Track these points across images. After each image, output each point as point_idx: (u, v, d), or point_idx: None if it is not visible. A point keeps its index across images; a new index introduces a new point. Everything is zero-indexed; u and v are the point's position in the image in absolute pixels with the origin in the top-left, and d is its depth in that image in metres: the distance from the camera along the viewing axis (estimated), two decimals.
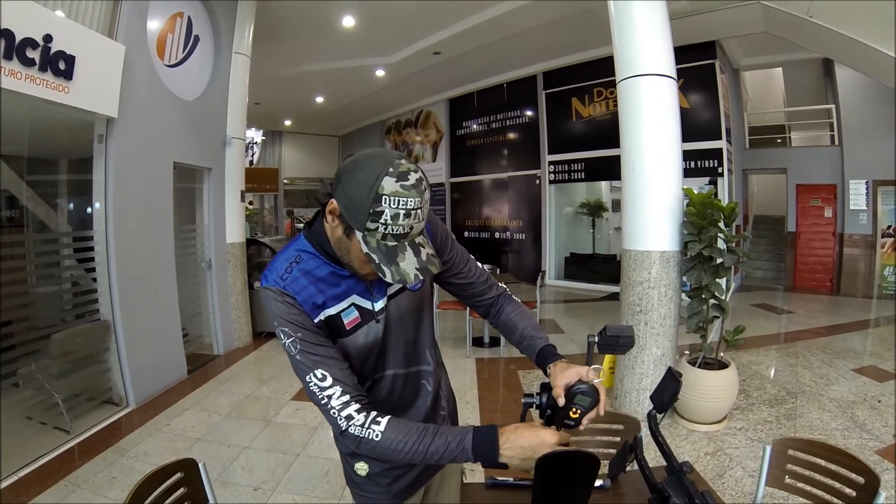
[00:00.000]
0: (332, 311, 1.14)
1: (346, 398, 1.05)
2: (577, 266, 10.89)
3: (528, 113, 10.96)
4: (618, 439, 1.94)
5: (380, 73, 10.42)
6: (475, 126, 12.23)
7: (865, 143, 9.09)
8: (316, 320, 1.11)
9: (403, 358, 1.28)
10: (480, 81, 11.42)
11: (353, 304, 1.17)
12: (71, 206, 5.42)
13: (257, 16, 6.32)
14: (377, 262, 0.97)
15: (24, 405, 3.77)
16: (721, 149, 8.36)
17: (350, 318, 1.16)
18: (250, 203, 10.84)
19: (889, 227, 9.24)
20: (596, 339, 1.19)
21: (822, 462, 1.74)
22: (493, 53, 9.28)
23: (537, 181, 10.77)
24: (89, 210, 4.22)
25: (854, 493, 1.63)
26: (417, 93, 12.34)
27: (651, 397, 1.38)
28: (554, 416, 1.12)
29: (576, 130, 10.12)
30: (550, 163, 10.48)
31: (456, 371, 5.21)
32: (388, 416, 1.05)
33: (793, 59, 9.65)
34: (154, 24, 4.66)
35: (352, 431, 1.03)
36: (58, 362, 3.78)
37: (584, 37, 8.53)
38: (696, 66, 8.27)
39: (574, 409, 1.06)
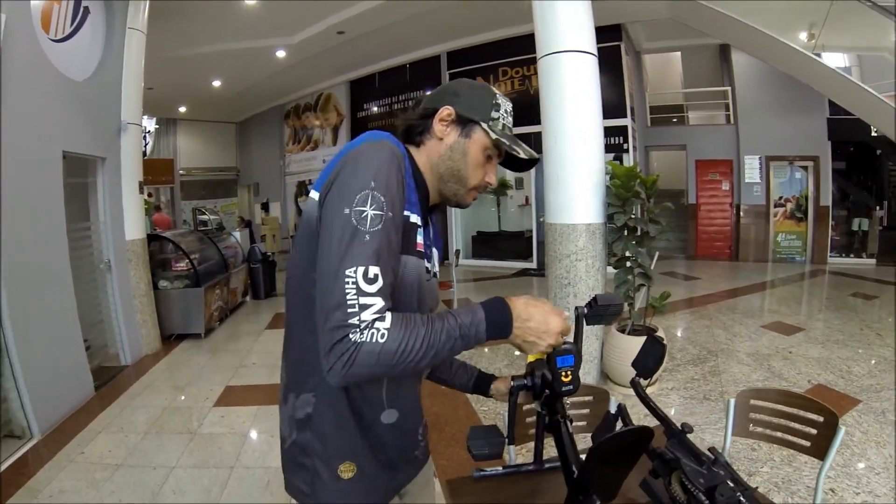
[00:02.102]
0: (415, 218, 1.00)
1: (379, 315, 0.82)
2: (484, 244, 11.05)
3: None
4: (586, 411, 1.89)
5: (280, 54, 9.98)
6: (376, 108, 11.99)
7: (759, 122, 9.94)
8: (405, 213, 0.96)
9: None
10: (383, 62, 11.25)
11: (422, 230, 1.04)
12: None
13: None
14: (507, 143, 1.04)
15: None
16: (626, 126, 8.81)
17: (420, 241, 1.02)
18: (149, 195, 10.01)
19: (781, 197, 10.12)
20: (585, 310, 1.12)
21: (783, 407, 1.83)
22: (398, 33, 9.15)
23: None
24: None
25: (815, 431, 1.73)
26: (318, 75, 11.99)
27: (633, 364, 1.34)
28: (551, 391, 1.06)
29: None
30: None
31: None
32: (386, 308, 0.84)
33: (691, 45, 10.32)
34: None
35: (353, 337, 0.79)
36: None
37: (490, 16, 8.57)
38: (602, 47, 8.47)
39: (564, 373, 1.00)
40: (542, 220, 9.76)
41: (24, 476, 3.19)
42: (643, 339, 3.75)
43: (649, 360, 1.31)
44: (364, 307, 0.81)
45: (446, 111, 1.05)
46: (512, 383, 1.14)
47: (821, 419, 1.72)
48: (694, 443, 1.12)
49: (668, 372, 4.28)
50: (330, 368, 0.81)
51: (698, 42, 9.96)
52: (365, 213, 0.85)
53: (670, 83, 11.94)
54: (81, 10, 4.70)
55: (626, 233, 3.88)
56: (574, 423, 1.85)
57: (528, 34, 8.54)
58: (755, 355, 4.71)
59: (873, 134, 9.27)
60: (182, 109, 14.51)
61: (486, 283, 9.23)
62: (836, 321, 5.78)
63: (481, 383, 1.36)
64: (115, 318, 5.24)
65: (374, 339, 0.80)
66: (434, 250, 1.17)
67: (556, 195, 3.97)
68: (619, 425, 1.41)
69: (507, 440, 1.17)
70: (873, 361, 4.49)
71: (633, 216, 3.80)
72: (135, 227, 5.52)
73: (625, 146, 8.82)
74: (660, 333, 3.94)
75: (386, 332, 0.81)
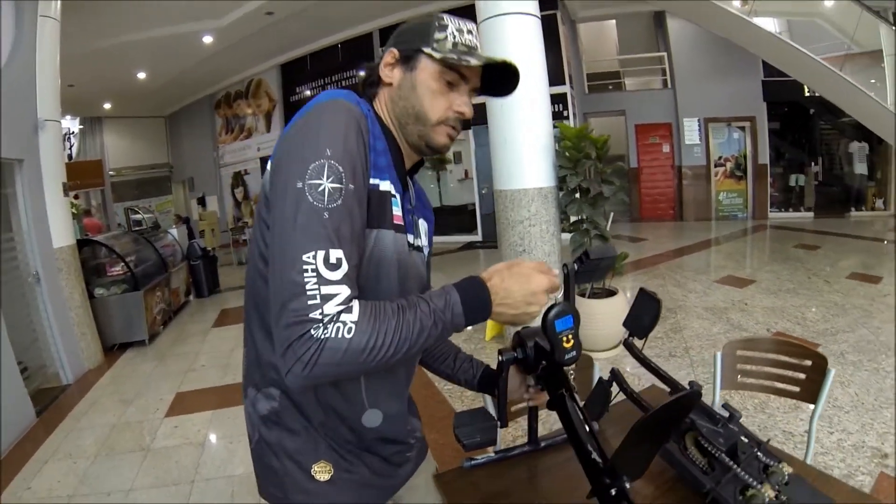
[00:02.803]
0: (387, 185, 0.87)
1: (344, 306, 0.70)
2: None
3: (364, 73, 10.67)
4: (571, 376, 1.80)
5: (207, 39, 9.50)
6: (309, 91, 11.67)
7: (696, 85, 10.15)
8: (371, 182, 0.84)
9: None
10: (314, 43, 10.92)
11: (397, 198, 0.91)
12: None
13: None
14: (456, 58, 0.86)
15: None
16: (566, 94, 8.87)
17: (396, 213, 0.90)
18: (76, 197, 9.35)
19: (720, 157, 10.40)
20: (576, 266, 1.01)
21: (771, 355, 1.81)
22: (328, 11, 8.86)
23: None
24: None
25: (804, 376, 1.71)
26: (247, 60, 11.56)
27: (625, 324, 1.24)
28: (550, 362, 0.92)
29: None
30: None
31: None
32: (353, 297, 0.71)
33: (625, 12, 10.49)
34: None
35: (315, 333, 0.67)
36: None
37: None
38: (540, 17, 8.52)
39: (565, 337, 0.86)
40: (484, 191, 9.74)
41: None
42: (605, 301, 3.81)
43: (644, 318, 1.22)
44: (327, 298, 0.69)
45: (389, 54, 0.94)
46: (500, 357, 1.01)
47: (809, 363, 1.70)
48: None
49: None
50: (288, 371, 0.69)
51: (632, 10, 10.13)
52: (322, 187, 0.72)
53: (606, 51, 12.01)
54: None
55: (578, 195, 3.83)
56: None
57: (463, 6, 8.51)
58: (713, 309, 4.81)
59: (806, 94, 9.67)
60: (107, 106, 13.66)
61: (434, 259, 9.10)
62: (785, 272, 5.97)
63: (489, 380, 1.18)
64: (49, 334, 4.83)
65: (339, 335, 0.68)
66: (422, 221, 1.06)
67: (505, 160, 3.88)
68: (615, 391, 1.33)
69: (498, 423, 1.06)
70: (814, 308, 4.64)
71: (585, 177, 3.75)
72: (62, 233, 5.09)
73: (565, 113, 8.90)
74: (620, 295, 3.95)
75: (353, 325, 0.69)
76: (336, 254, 0.71)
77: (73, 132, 12.87)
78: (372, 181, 0.83)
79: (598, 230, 3.85)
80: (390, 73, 0.94)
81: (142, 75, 11.31)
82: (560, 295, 0.92)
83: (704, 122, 10.20)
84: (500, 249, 4.09)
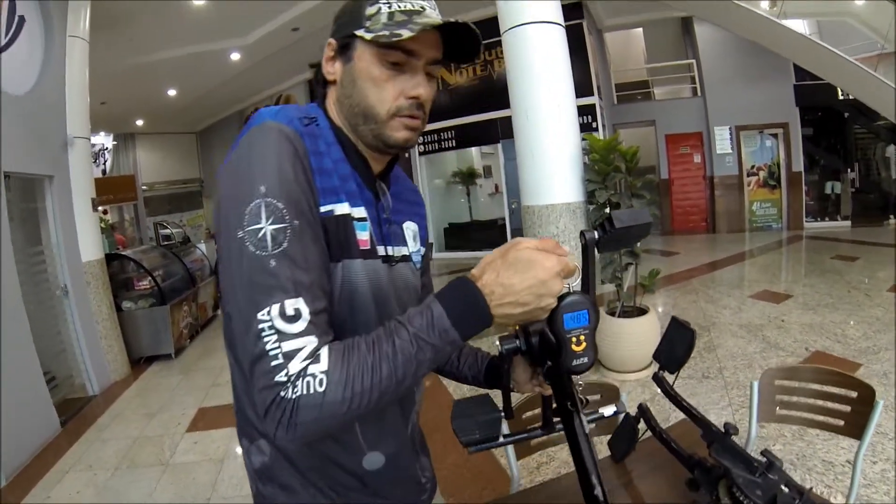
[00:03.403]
0: (345, 207, 0.77)
1: (311, 359, 0.61)
2: (457, 236, 10.86)
3: None
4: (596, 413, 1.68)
5: (235, 56, 9.59)
6: None
7: (726, 92, 9.88)
8: (323, 210, 0.74)
9: None
10: None
11: (366, 220, 0.81)
12: None
13: None
14: (387, 34, 0.72)
15: None
16: (594, 104, 8.68)
17: (361, 237, 0.80)
18: (105, 212, 9.53)
19: (753, 166, 10.11)
20: (596, 235, 0.76)
21: (812, 385, 1.68)
22: None
23: (406, 154, 10.44)
24: None
25: (849, 409, 1.58)
26: (275, 77, 11.59)
27: (655, 356, 1.14)
28: (555, 363, 0.74)
29: (443, 99, 9.92)
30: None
31: None
32: (321, 345, 0.63)
33: (652, 19, 10.24)
34: None
35: (284, 395, 0.60)
36: None
37: (447, 2, 8.29)
38: (565, 26, 8.44)
39: (575, 338, 0.69)
40: (514, 206, 9.62)
41: None
42: (635, 320, 3.67)
43: (676, 350, 1.11)
44: (290, 355, 0.61)
45: (328, 46, 0.82)
46: (501, 348, 0.85)
47: (854, 395, 1.56)
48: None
49: None
50: (274, 435, 0.62)
51: (659, 16, 9.94)
52: (262, 232, 0.64)
53: (633, 59, 11.83)
54: (17, 19, 4.37)
55: (608, 209, 3.72)
56: None
57: (488, 18, 8.48)
58: (748, 326, 4.61)
59: (840, 97, 9.34)
60: (139, 123, 13.94)
61: (461, 275, 9.02)
62: (822, 285, 5.72)
63: (495, 373, 1.00)
64: (77, 345, 4.92)
65: (311, 390, 0.60)
66: (408, 224, 0.94)
67: (532, 175, 3.79)
68: (642, 427, 1.23)
69: (502, 415, 0.90)
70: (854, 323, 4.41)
71: (615, 192, 3.63)
72: (91, 247, 5.20)
73: (594, 125, 8.70)
74: (651, 313, 3.80)
75: (324, 376, 0.60)
76: (293, 304, 0.63)
77: (107, 148, 13.18)
78: (324, 208, 0.74)
79: (629, 246, 3.73)
80: (332, 68, 0.82)
81: (172, 92, 11.48)
82: (576, 280, 0.73)
83: (736, 129, 9.94)
84: None
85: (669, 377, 1.16)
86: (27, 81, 4.54)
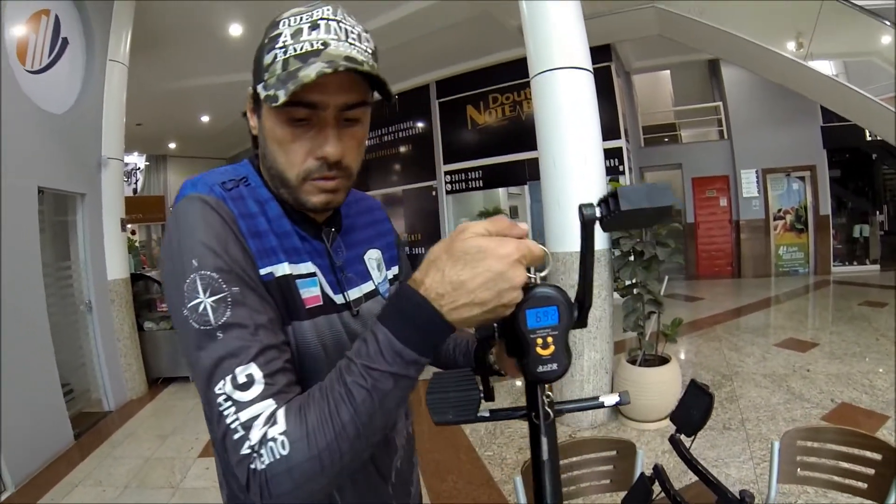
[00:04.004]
0: (285, 268, 0.74)
1: (269, 423, 0.58)
2: None
3: (421, 123, 10.69)
4: (609, 468, 1.64)
5: None
6: (367, 141, 11.79)
7: (753, 135, 9.82)
8: (263, 273, 0.70)
9: None
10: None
11: (315, 274, 0.78)
12: None
13: (136, 20, 5.62)
14: (273, 92, 0.65)
15: None
16: (621, 148, 8.63)
17: (309, 294, 0.76)
18: (133, 233, 9.73)
19: (780, 210, 9.99)
20: (597, 212, 0.60)
21: (834, 447, 1.64)
22: (385, 63, 8.80)
23: (433, 192, 10.49)
24: None
25: (872, 471, 1.54)
26: None
27: (671, 418, 1.11)
28: (521, 364, 0.62)
29: (471, 138, 10.02)
30: (446, 172, 10.27)
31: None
32: (279, 406, 0.59)
33: (680, 62, 10.27)
34: (14, 21, 3.97)
35: (254, 466, 0.56)
36: None
37: (478, 42, 8.43)
38: (593, 69, 8.50)
39: (541, 339, 0.58)
40: None
41: None
42: (657, 369, 3.60)
43: (693, 413, 1.09)
44: (248, 425, 0.58)
45: (248, 97, 0.77)
46: (476, 333, 0.79)
47: (878, 457, 1.52)
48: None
49: None
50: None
51: (687, 59, 9.95)
52: (202, 306, 0.62)
53: (661, 102, 11.86)
54: (60, 41, 4.57)
55: (632, 258, 3.68)
56: (595, 483, 1.61)
57: (516, 59, 8.63)
58: (772, 376, 4.49)
59: (868, 139, 9.23)
60: (172, 146, 14.30)
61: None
62: (850, 333, 5.58)
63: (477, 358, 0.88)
64: (97, 361, 5.02)
65: (276, 455, 0.56)
66: (371, 253, 0.91)
67: (557, 221, 3.77)
68: (656, 489, 1.20)
69: (481, 396, 0.76)
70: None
71: (640, 240, 3.60)
72: (117, 265, 5.32)
73: (621, 168, 8.63)
74: (673, 362, 3.72)
75: (284, 438, 0.56)
76: (244, 371, 0.60)
77: (139, 168, 13.55)
78: (263, 271, 0.70)
79: (652, 295, 3.67)
80: (253, 122, 0.77)
81: (205, 118, 11.72)
82: (546, 269, 0.62)
83: (762, 172, 9.83)
84: None
85: (686, 440, 1.13)
86: (66, 101, 4.71)
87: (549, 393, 0.66)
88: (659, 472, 1.16)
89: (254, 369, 0.60)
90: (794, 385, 4.24)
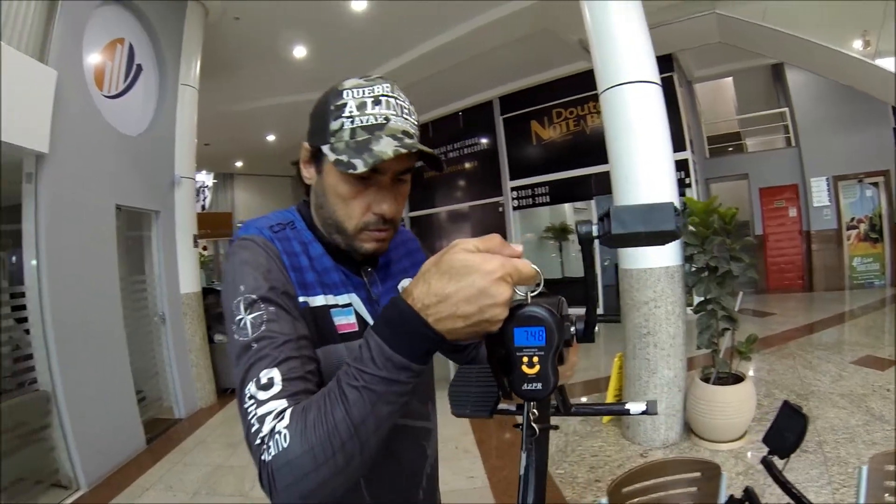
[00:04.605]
0: (321, 300, 0.84)
1: (278, 417, 0.63)
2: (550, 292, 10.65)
3: (486, 140, 10.76)
4: (693, 489, 1.58)
5: None
6: None
7: (821, 140, 9.40)
8: (300, 300, 0.82)
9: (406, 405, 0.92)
10: (435, 111, 11.14)
11: (352, 304, 0.88)
12: (13, 258, 4.84)
13: (204, 46, 5.94)
14: (346, 159, 0.77)
15: None
16: (687, 160, 8.41)
17: (344, 322, 0.86)
18: (204, 248, 10.18)
19: (853, 219, 9.48)
20: (594, 230, 0.58)
21: None
22: (448, 80, 9.06)
23: (500, 208, 10.52)
24: (14, 260, 3.69)
25: None
26: None
27: (765, 440, 1.07)
28: (507, 378, 0.61)
29: (536, 154, 10.01)
30: (513, 188, 10.29)
31: (442, 412, 4.79)
32: (290, 406, 0.64)
33: (743, 68, 9.98)
34: (91, 50, 4.24)
35: (264, 458, 0.61)
36: None
37: (540, 58, 8.45)
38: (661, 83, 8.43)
39: (527, 358, 0.57)
40: (606, 263, 9.41)
41: None
42: (731, 388, 3.46)
43: (788, 435, 1.04)
44: (262, 419, 0.64)
45: (304, 150, 0.88)
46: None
47: None
48: None
49: (755, 422, 3.85)
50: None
51: (750, 64, 9.67)
52: (242, 321, 0.73)
53: (724, 111, 11.53)
54: (134, 67, 4.86)
55: (706, 273, 3.57)
56: None
57: (580, 72, 8.61)
58: (849, 396, 4.23)
59: None
60: (238, 164, 14.90)
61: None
62: None
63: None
64: (169, 370, 5.26)
65: (279, 448, 0.60)
66: (405, 283, 0.98)
67: None
68: None
69: (500, 394, 0.74)
70: None
71: (714, 255, 3.49)
72: (189, 280, 5.58)
73: (687, 181, 8.39)
74: (748, 381, 3.58)
75: (286, 431, 0.61)
76: (267, 374, 0.68)
77: (207, 185, 14.18)
78: (300, 299, 0.81)
79: (726, 311, 3.55)
80: (308, 172, 0.89)
81: (271, 137, 12.19)
82: (536, 289, 0.61)
83: (833, 180, 9.39)
84: (625, 330, 3.89)
85: (779, 462, 1.08)
86: (141, 124, 5.00)
87: (535, 410, 0.66)
88: (750, 494, 1.11)
89: (275, 373, 0.67)
90: (873, 406, 3.99)
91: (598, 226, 0.57)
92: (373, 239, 0.85)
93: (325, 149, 0.81)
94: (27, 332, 3.59)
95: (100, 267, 4.16)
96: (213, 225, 11.87)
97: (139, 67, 4.94)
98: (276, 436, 0.61)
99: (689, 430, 3.76)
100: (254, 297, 0.74)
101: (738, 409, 3.49)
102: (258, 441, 0.62)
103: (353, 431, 0.59)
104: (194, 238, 5.70)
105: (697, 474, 1.58)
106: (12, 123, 3.19)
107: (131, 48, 4.80)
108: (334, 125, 0.80)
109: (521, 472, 0.64)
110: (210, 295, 6.18)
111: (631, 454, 3.61)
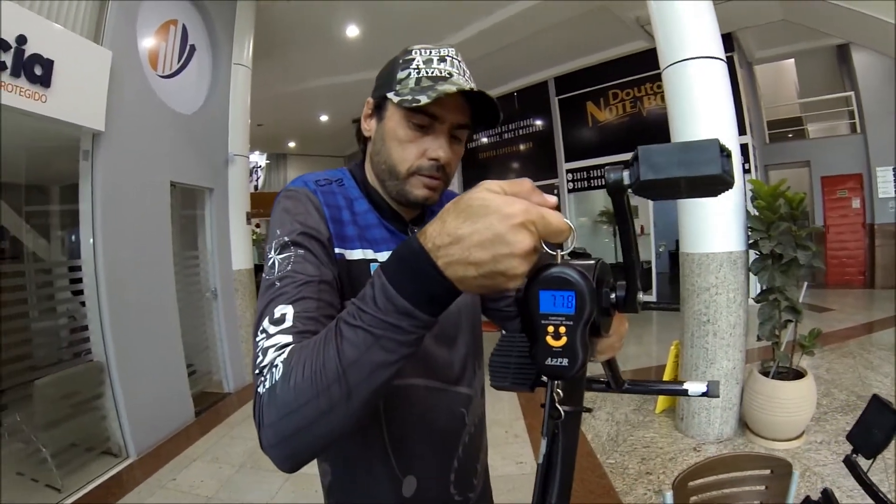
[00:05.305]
0: (359, 253, 0.86)
1: (279, 351, 0.62)
2: None
3: (541, 121, 10.60)
4: (760, 488, 1.50)
5: None
6: (486, 138, 11.76)
7: (889, 127, 8.73)
8: (336, 252, 0.83)
9: (440, 368, 0.93)
10: (490, 91, 10.97)
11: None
12: (73, 237, 5.04)
13: (256, 26, 6.00)
14: (410, 98, 0.80)
15: (13, 459, 3.35)
16: (748, 144, 8.03)
17: None
18: (257, 226, 10.39)
19: None
20: (625, 177, 0.49)
21: None
22: (502, 60, 8.90)
23: (555, 191, 10.32)
24: (74, 238, 3.85)
25: None
26: None
27: (849, 437, 0.99)
28: (530, 350, 0.52)
29: (592, 136, 9.82)
30: (568, 171, 10.14)
31: (494, 399, 4.77)
32: (295, 342, 0.63)
33: (806, 49, 9.44)
34: (145, 31, 4.33)
35: (259, 390, 0.59)
36: (44, 411, 3.35)
37: (596, 37, 8.24)
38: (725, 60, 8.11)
39: (552, 328, 0.49)
40: (661, 249, 9.15)
41: (114, 496, 3.23)
42: (792, 384, 3.30)
43: (876, 433, 0.96)
44: (266, 350, 0.63)
45: (367, 104, 0.92)
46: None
47: None
48: None
49: (814, 421, 3.69)
50: (262, 447, 0.61)
51: (814, 45, 9.14)
52: (272, 261, 0.76)
53: (785, 94, 10.94)
54: (188, 47, 4.94)
55: (770, 261, 3.40)
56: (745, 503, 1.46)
57: (636, 52, 8.36)
58: None
59: None
60: (291, 144, 15.13)
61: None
62: None
63: None
64: (220, 345, 5.39)
65: (273, 381, 0.58)
66: None
67: (692, 220, 3.60)
68: None
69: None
70: None
71: (779, 241, 3.33)
72: (242, 256, 5.69)
73: (746, 166, 8.05)
74: (808, 377, 3.41)
75: (281, 364, 0.59)
76: (281, 310, 0.68)
77: (260, 166, 14.47)
78: (337, 251, 0.83)
79: (790, 302, 3.38)
80: (368, 125, 0.92)
81: (324, 118, 12.28)
82: (570, 246, 0.52)
83: None
84: (683, 317, 3.75)
85: (864, 462, 1.00)
86: (195, 103, 5.09)
87: (559, 391, 0.59)
88: (829, 496, 1.04)
89: (288, 310, 0.68)
90: None
91: (630, 171, 0.48)
92: (424, 185, 0.86)
93: (391, 94, 0.84)
94: (83, 304, 3.73)
95: (154, 242, 4.29)
96: (265, 204, 12.05)
97: (192, 48, 5.02)
98: (273, 369, 0.59)
99: (743, 425, 3.63)
100: (286, 239, 0.77)
101: (798, 406, 3.34)
102: (257, 371, 0.62)
103: (340, 372, 0.54)
104: (247, 215, 5.80)
105: (767, 472, 1.50)
106: (69, 102, 3.31)
107: (185, 29, 4.88)
108: (401, 74, 0.84)
109: (540, 460, 0.57)
110: (262, 272, 6.29)
111: (684, 447, 3.51)
